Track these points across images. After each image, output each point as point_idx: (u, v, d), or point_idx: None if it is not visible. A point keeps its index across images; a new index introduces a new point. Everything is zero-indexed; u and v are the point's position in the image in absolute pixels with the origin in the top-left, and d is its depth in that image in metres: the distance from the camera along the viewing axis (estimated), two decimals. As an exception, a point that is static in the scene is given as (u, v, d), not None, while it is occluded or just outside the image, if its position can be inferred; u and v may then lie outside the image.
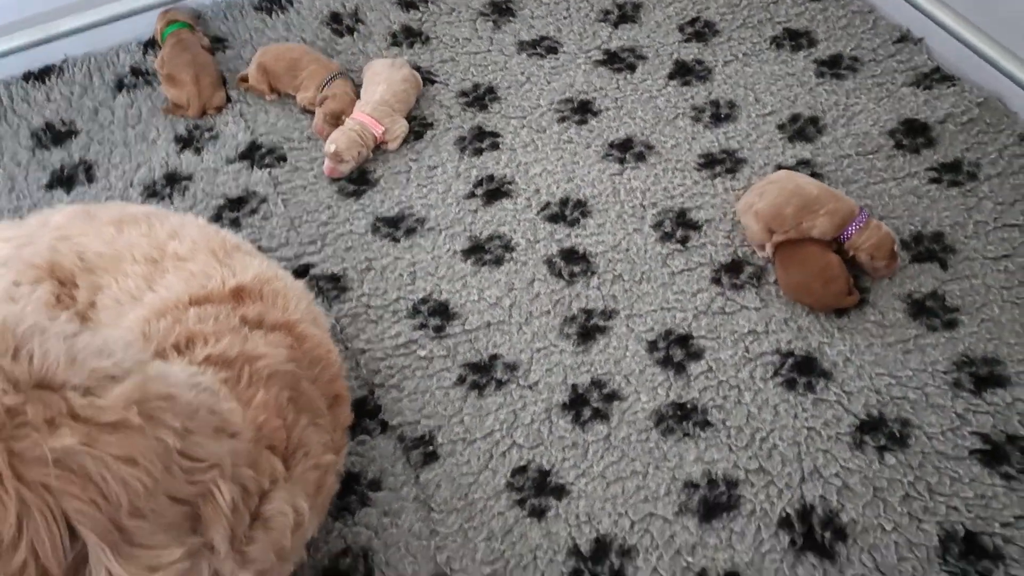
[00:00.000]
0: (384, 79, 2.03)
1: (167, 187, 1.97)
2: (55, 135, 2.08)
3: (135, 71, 2.22)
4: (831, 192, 1.74)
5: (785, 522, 1.46)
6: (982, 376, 1.61)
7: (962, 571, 1.40)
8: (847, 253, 1.72)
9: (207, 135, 2.08)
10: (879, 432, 1.55)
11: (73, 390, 0.85)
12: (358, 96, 2.06)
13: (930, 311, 1.71)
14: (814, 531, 1.45)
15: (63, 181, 2.00)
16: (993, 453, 1.52)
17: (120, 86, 2.19)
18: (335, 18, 2.33)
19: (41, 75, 2.21)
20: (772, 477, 1.51)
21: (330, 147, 1.92)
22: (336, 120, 1.99)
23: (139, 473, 0.85)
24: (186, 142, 2.06)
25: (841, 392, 1.61)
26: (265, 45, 2.19)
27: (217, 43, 2.27)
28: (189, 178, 1.99)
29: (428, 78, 2.17)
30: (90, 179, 2.00)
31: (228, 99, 2.14)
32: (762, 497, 1.49)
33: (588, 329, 1.71)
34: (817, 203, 1.70)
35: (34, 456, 0.80)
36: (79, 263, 1.42)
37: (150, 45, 2.28)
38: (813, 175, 1.88)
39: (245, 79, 2.15)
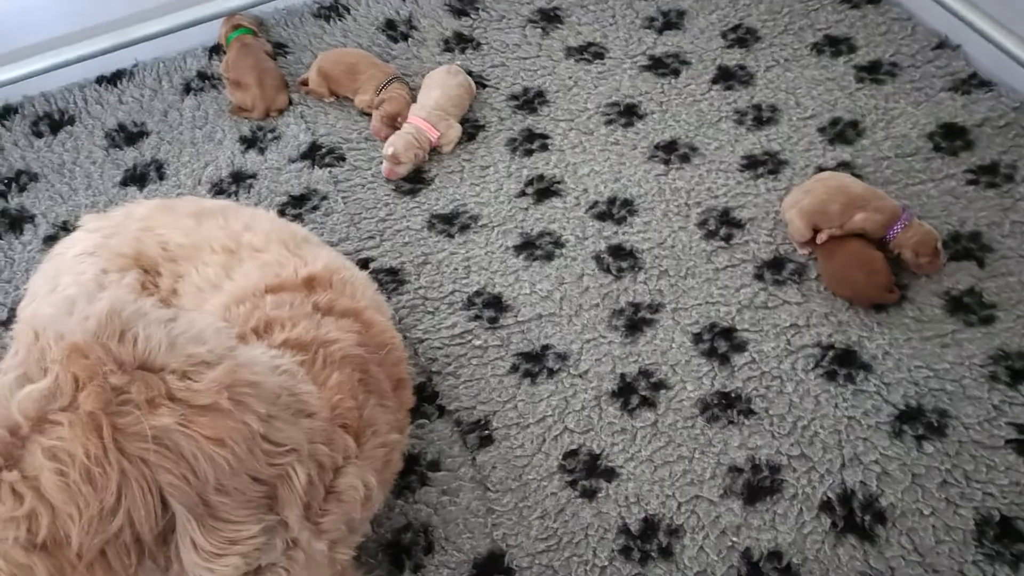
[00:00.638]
0: (439, 84, 2.12)
1: (233, 184, 2.08)
2: (128, 135, 2.20)
3: (202, 75, 2.33)
4: (875, 192, 1.81)
5: (826, 505, 1.53)
6: (1018, 369, 1.67)
7: (997, 553, 1.46)
8: (892, 252, 1.78)
9: (270, 136, 2.18)
10: (917, 422, 1.61)
11: (172, 373, 0.94)
12: (414, 100, 2.15)
13: (967, 307, 1.76)
14: (854, 514, 1.51)
15: (136, 179, 2.11)
16: (1028, 443, 1.57)
17: (188, 89, 2.30)
18: (390, 25, 2.43)
19: (113, 79, 2.33)
20: (813, 463, 1.58)
21: (388, 149, 2.02)
22: (393, 122, 2.09)
23: (226, 453, 0.93)
24: (250, 142, 2.17)
25: (880, 383, 1.67)
26: (324, 50, 2.29)
27: (279, 48, 2.38)
28: (254, 176, 2.09)
29: (480, 82, 2.26)
30: (161, 176, 2.11)
31: (290, 102, 2.25)
32: (804, 482, 1.56)
33: (635, 321, 1.79)
34: (862, 200, 1.77)
35: (135, 432, 0.89)
36: (163, 252, 1.53)
37: (215, 50, 2.39)
38: (854, 176, 1.95)
39: (306, 83, 2.26)
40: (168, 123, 2.23)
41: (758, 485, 1.56)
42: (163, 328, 0.99)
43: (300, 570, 1.15)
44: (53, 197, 2.08)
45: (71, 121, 2.24)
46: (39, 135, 2.21)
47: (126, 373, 0.91)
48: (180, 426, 0.91)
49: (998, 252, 1.84)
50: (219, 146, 2.17)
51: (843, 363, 1.70)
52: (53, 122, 2.24)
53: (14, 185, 2.11)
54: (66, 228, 2.01)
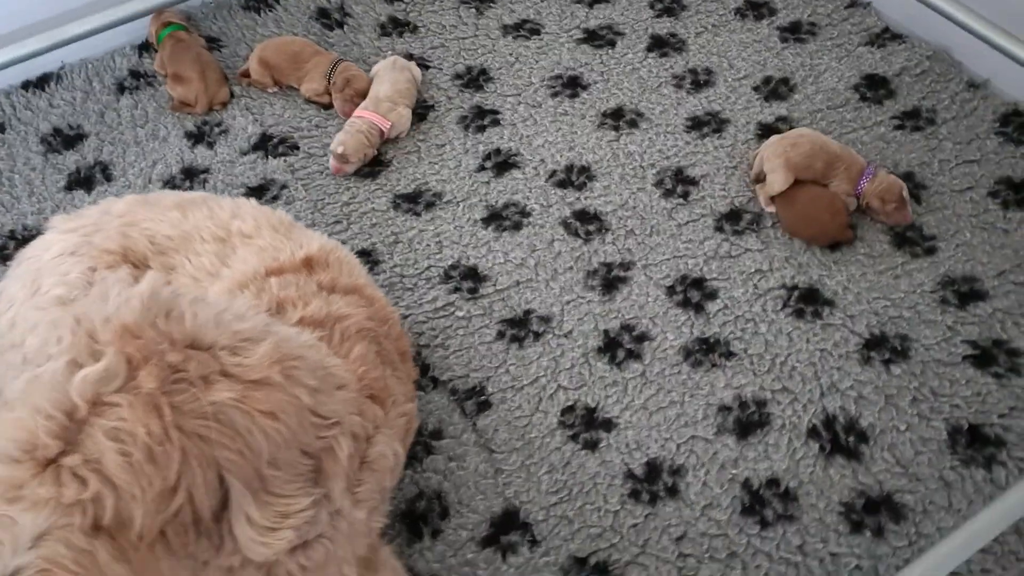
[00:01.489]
0: (387, 79, 2.13)
1: (186, 180, 2.04)
2: (65, 139, 2.13)
3: (134, 74, 2.28)
4: (848, 150, 1.94)
5: (813, 432, 1.63)
6: (964, 292, 1.81)
7: (971, 458, 1.59)
8: (860, 203, 1.90)
9: (216, 130, 2.15)
10: (883, 348, 1.73)
11: (222, 350, 0.95)
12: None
13: (911, 241, 1.90)
14: (839, 437, 1.62)
15: (81, 182, 2.05)
16: (983, 357, 1.71)
17: (121, 89, 2.24)
18: (323, 13, 2.42)
19: (40, 83, 2.25)
20: (795, 395, 1.68)
21: (338, 148, 2.01)
22: (362, 97, 2.10)
23: (279, 426, 0.94)
24: (197, 137, 2.13)
25: (845, 316, 1.78)
26: (259, 42, 2.27)
27: (212, 43, 2.34)
28: (207, 171, 2.06)
29: (422, 64, 2.29)
30: (108, 178, 2.05)
31: (232, 95, 2.21)
32: (789, 412, 1.66)
33: (610, 280, 1.86)
34: (839, 160, 1.89)
35: (192, 409, 0.89)
36: (151, 246, 1.50)
37: (145, 48, 2.33)
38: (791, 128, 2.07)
39: (247, 74, 2.23)
40: (106, 124, 2.17)
41: (748, 420, 1.65)
42: (206, 307, 1.00)
43: (343, 540, 1.16)
44: (-5, 208, 2.00)
45: (1, 129, 2.15)
46: (-32, 145, 2.12)
47: (179, 351, 0.92)
48: (235, 402, 0.92)
49: (931, 189, 1.98)
50: (164, 143, 2.12)
51: (808, 301, 1.81)
52: (-18, 131, 2.15)
53: (-51, 198, 2.02)
54: (14, 237, 1.95)
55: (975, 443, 1.60)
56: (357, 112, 2.07)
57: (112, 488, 0.87)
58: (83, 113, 2.19)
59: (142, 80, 2.26)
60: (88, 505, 0.87)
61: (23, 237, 1.94)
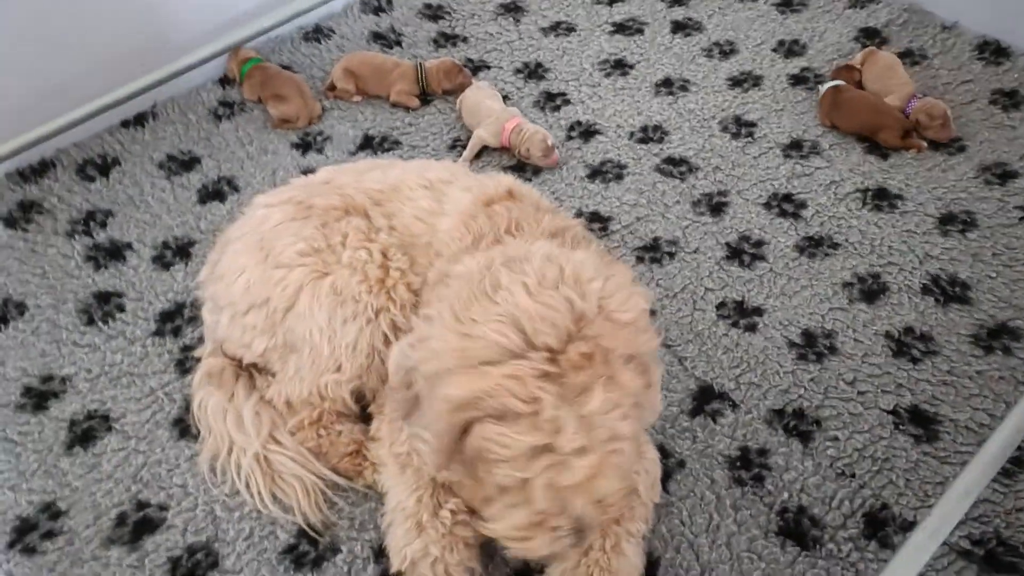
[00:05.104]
0: (486, 97, 2.34)
1: (309, 181, 2.22)
2: (181, 163, 2.29)
3: (224, 103, 2.46)
4: (907, 78, 2.35)
5: (925, 289, 1.94)
6: (999, 174, 2.18)
7: (1054, 287, 1.93)
8: (911, 119, 2.27)
9: (319, 138, 2.35)
10: (955, 222, 2.08)
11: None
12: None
13: (945, 145, 2.27)
14: (947, 290, 1.93)
15: (212, 195, 2.20)
16: (1034, 216, 2.08)
17: (218, 117, 2.42)
18: (377, 36, 2.67)
19: (138, 120, 2.40)
20: (900, 265, 1.99)
21: (548, 140, 2.21)
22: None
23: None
24: (304, 147, 2.33)
25: (915, 204, 2.12)
26: (328, 67, 2.50)
27: (286, 69, 2.54)
28: (326, 171, 2.25)
29: (483, 65, 2.56)
30: (235, 189, 2.22)
31: (323, 109, 2.42)
32: (901, 279, 1.97)
33: (715, 205, 2.15)
34: (895, 82, 2.33)
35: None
36: (367, 199, 1.70)
37: (224, 82, 2.52)
38: (816, 77, 2.45)
39: (332, 87, 2.45)
40: (215, 146, 2.34)
41: (869, 290, 1.95)
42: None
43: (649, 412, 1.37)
44: (140, 225, 2.13)
45: (116, 162, 2.29)
46: (90, 179, 2.25)
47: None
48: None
49: (948, 102, 2.37)
50: (275, 156, 2.31)
51: (881, 198, 2.14)
52: (98, 166, 2.28)
53: (92, 223, 2.14)
54: (168, 247, 2.08)
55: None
56: (512, 121, 2.25)
57: None
58: (190, 140, 2.35)
59: (234, 107, 2.44)
60: None
61: (176, 247, 2.08)
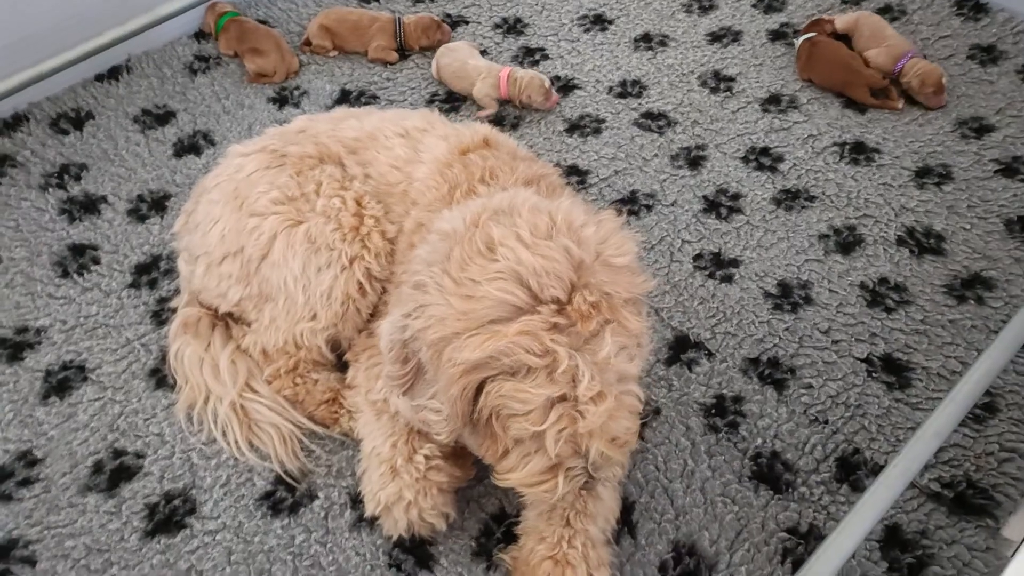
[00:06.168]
0: (466, 53, 2.32)
1: (286, 136, 2.21)
2: (156, 117, 2.27)
3: (200, 58, 2.43)
4: (899, 35, 2.33)
5: (900, 240, 1.95)
6: (976, 128, 2.19)
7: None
8: (899, 80, 2.26)
9: (296, 93, 2.33)
10: (931, 175, 2.08)
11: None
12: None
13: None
14: (921, 241, 1.95)
15: (187, 149, 2.19)
16: (1008, 169, 2.08)
17: (193, 71, 2.39)
18: (356, -10, 2.64)
19: (112, 74, 2.37)
20: (875, 218, 2.00)
21: (545, 83, 2.22)
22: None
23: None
24: (281, 101, 2.31)
25: (892, 158, 2.13)
26: (305, 21, 2.47)
27: (263, 24, 2.51)
28: (302, 125, 2.23)
29: (462, 20, 2.54)
30: (211, 143, 2.20)
31: (300, 64, 2.40)
32: (876, 231, 1.98)
33: (693, 159, 2.15)
34: (885, 39, 2.32)
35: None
36: (342, 148, 1.69)
37: (200, 36, 2.49)
38: (795, 33, 2.44)
39: (308, 43, 2.42)
40: (191, 100, 2.31)
41: (845, 241, 1.96)
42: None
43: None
44: (115, 179, 2.11)
45: (89, 116, 2.27)
46: (64, 132, 2.22)
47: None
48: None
49: (932, 56, 2.37)
50: (252, 110, 2.29)
51: (858, 151, 2.15)
52: (72, 120, 2.25)
53: (65, 176, 2.11)
54: (144, 199, 2.06)
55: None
56: (504, 71, 2.24)
57: None
58: (165, 94, 2.33)
59: (210, 62, 2.42)
60: None
61: (152, 200, 2.06)
